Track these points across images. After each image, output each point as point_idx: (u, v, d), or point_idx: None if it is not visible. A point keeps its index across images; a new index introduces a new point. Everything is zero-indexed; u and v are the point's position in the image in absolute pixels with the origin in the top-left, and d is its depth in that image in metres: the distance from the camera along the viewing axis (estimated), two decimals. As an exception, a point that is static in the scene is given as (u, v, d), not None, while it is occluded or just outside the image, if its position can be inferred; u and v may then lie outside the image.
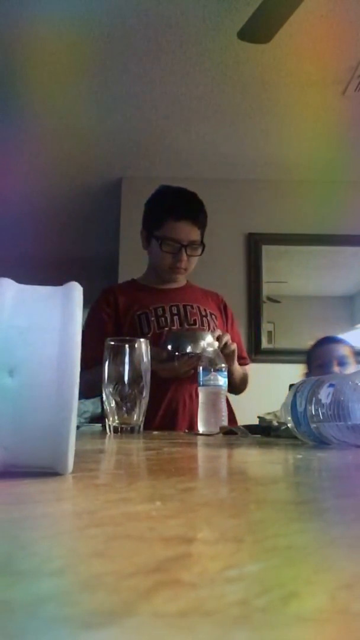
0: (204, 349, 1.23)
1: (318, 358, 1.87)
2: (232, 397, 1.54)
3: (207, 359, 1.12)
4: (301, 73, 2.35)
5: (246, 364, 1.61)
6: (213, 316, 1.55)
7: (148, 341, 1.06)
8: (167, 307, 1.51)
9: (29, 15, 2.02)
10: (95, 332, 1.40)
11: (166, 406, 1.41)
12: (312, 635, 0.12)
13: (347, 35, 2.12)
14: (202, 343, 1.28)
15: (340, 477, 0.42)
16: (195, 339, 1.31)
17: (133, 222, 3.25)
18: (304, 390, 0.67)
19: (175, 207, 1.50)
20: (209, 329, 1.50)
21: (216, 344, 1.27)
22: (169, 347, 1.31)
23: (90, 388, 1.17)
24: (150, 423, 1.35)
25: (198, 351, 1.26)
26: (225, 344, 1.34)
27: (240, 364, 1.51)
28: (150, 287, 1.57)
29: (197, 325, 1.50)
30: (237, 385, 1.53)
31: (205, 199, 1.56)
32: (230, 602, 0.13)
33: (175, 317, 1.49)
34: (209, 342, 1.28)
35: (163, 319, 1.48)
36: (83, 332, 1.37)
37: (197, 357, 1.24)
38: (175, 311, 1.50)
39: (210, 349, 1.18)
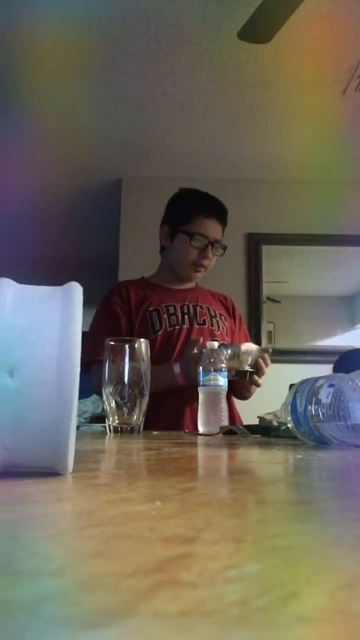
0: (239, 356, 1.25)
1: (346, 370, 1.88)
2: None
3: (209, 358, 1.11)
4: (301, 73, 2.35)
5: None
6: (222, 317, 1.58)
7: (148, 341, 1.06)
8: (178, 306, 1.53)
9: (29, 15, 2.02)
10: (110, 327, 1.42)
11: (171, 406, 1.41)
12: (312, 635, 0.12)
13: (347, 35, 2.12)
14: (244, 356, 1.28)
15: (340, 477, 0.42)
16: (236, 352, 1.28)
17: (133, 222, 3.27)
18: (304, 390, 0.67)
19: (206, 204, 1.53)
20: (218, 329, 1.53)
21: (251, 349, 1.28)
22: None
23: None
24: (154, 425, 1.35)
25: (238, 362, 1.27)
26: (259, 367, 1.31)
27: None
28: (161, 286, 1.59)
29: (207, 326, 1.51)
30: (246, 393, 1.54)
31: (205, 199, 1.56)
32: (230, 602, 0.13)
33: (186, 317, 1.51)
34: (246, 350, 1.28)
35: (174, 317, 1.50)
36: (96, 327, 1.38)
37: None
38: (185, 310, 1.53)
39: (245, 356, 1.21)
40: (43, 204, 3.66)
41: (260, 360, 1.29)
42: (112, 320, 1.48)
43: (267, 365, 1.31)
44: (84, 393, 1.29)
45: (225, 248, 1.55)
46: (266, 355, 1.31)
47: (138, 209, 3.22)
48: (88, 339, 1.40)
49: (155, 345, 1.41)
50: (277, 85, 2.45)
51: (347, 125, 2.75)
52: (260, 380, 1.34)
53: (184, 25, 2.09)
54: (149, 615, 0.12)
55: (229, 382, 1.15)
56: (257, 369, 1.30)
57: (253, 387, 1.48)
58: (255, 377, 1.32)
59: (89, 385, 1.37)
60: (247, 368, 1.28)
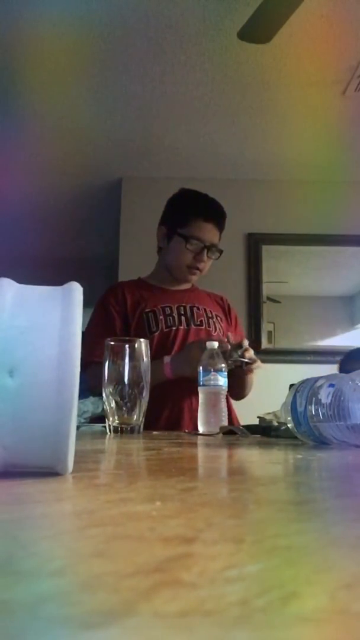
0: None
1: (352, 369, 1.89)
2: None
3: (209, 358, 1.12)
4: (301, 73, 2.35)
5: None
6: (218, 318, 1.59)
7: (148, 341, 1.06)
8: (175, 307, 1.53)
9: (29, 15, 2.02)
10: (106, 329, 1.43)
11: (171, 407, 1.41)
12: (312, 635, 0.12)
13: (347, 35, 2.12)
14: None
15: (340, 477, 0.42)
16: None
17: (133, 222, 3.27)
18: (304, 390, 0.67)
19: (204, 208, 1.53)
20: (214, 330, 1.53)
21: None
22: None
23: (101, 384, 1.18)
24: (154, 425, 1.35)
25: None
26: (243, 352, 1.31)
27: None
28: (157, 287, 1.59)
29: (204, 327, 1.52)
30: (244, 391, 1.54)
31: (205, 199, 1.56)
32: (230, 602, 0.13)
33: (182, 318, 1.52)
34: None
35: (171, 318, 1.50)
36: (92, 328, 1.38)
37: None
38: (182, 312, 1.53)
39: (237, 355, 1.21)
40: (43, 203, 3.65)
41: (247, 353, 1.30)
42: (107, 322, 1.49)
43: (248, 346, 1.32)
44: (83, 393, 1.29)
45: (221, 252, 1.56)
46: (244, 344, 1.30)
47: (138, 209, 3.22)
48: (84, 340, 1.40)
49: (151, 346, 1.41)
50: (277, 85, 2.45)
51: (347, 125, 2.75)
52: (257, 363, 1.33)
53: (184, 25, 2.09)
54: (149, 615, 0.12)
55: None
56: (249, 358, 1.30)
57: (251, 381, 1.48)
58: (250, 366, 1.32)
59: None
60: (242, 358, 1.28)
